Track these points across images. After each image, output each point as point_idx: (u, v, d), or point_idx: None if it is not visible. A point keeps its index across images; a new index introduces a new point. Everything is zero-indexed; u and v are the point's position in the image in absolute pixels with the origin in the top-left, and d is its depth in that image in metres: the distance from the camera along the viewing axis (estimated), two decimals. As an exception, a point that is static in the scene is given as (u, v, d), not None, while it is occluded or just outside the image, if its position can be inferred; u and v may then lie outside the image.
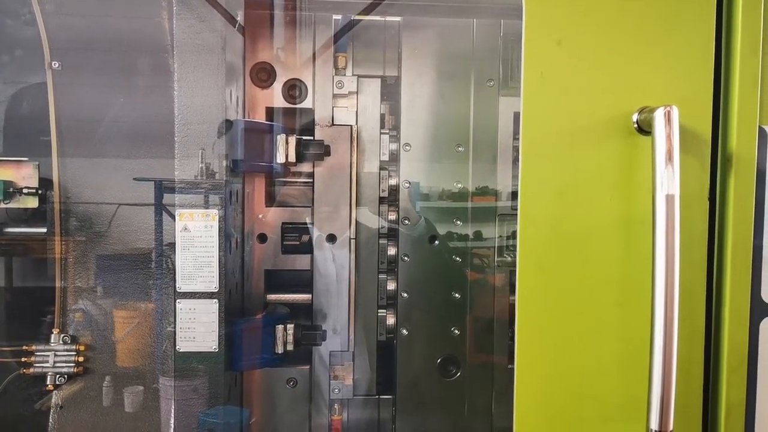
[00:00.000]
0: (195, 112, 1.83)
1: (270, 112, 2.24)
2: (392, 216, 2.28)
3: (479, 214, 2.28)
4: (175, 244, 1.86)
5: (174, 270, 1.86)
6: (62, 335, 2.01)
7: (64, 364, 2.00)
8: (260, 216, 2.26)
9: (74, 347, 2.01)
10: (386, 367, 2.34)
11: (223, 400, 1.98)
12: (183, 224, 1.85)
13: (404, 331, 2.27)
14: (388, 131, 2.29)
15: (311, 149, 2.16)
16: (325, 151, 2.18)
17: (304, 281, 2.27)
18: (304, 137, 2.18)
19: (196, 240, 1.85)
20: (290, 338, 2.10)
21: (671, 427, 1.27)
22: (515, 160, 2.21)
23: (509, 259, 2.27)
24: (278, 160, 2.10)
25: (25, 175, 2.00)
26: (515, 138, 2.22)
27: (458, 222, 2.28)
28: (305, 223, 2.27)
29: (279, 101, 2.24)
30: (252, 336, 2.10)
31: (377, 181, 2.27)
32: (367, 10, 2.25)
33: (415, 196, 2.28)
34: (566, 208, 1.40)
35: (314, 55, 2.23)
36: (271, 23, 2.26)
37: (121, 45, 2.04)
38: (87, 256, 2.05)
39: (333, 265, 2.24)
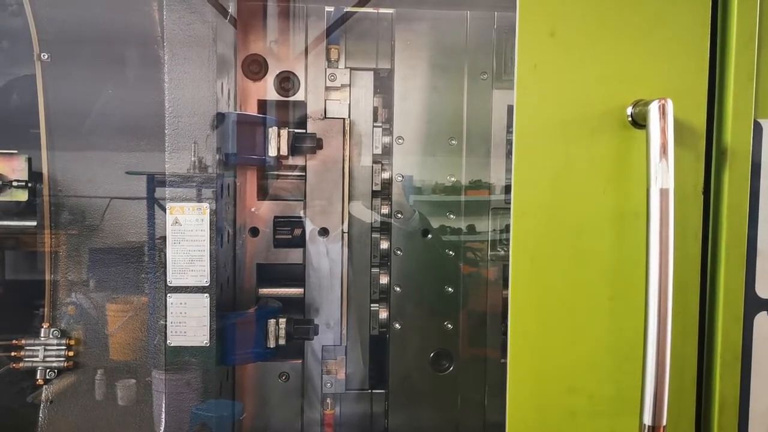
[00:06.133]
0: (186, 104, 1.82)
1: (262, 104, 2.23)
2: (385, 210, 2.27)
3: (472, 207, 2.27)
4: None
5: (165, 264, 1.85)
6: (52, 329, 2.00)
7: (54, 359, 1.99)
8: (253, 209, 2.25)
9: (64, 341, 2.00)
10: (379, 362, 2.34)
11: (215, 395, 1.98)
12: (174, 218, 1.84)
13: (397, 326, 2.26)
14: (381, 124, 2.28)
15: (303, 142, 2.15)
16: (317, 144, 2.17)
17: (297, 275, 2.26)
18: (296, 130, 2.17)
19: (188, 234, 1.83)
20: (282, 332, 2.09)
21: (664, 422, 1.27)
22: (509, 153, 2.20)
23: (502, 252, 2.26)
24: (270, 153, 2.09)
25: (15, 167, 1.97)
26: (509, 131, 2.20)
27: (451, 216, 2.27)
28: (297, 217, 2.25)
29: (271, 94, 2.22)
30: (244, 330, 2.09)
31: (370, 174, 2.26)
32: (361, 2, 2.23)
33: (408, 190, 2.27)
34: (560, 201, 1.39)
35: (306, 47, 2.21)
36: (263, 15, 2.24)
37: (111, 36, 2.02)
38: (79, 250, 2.03)
39: (326, 258, 2.23)
